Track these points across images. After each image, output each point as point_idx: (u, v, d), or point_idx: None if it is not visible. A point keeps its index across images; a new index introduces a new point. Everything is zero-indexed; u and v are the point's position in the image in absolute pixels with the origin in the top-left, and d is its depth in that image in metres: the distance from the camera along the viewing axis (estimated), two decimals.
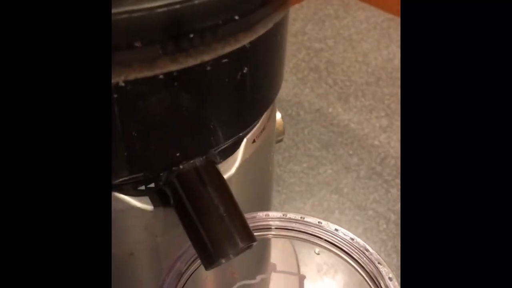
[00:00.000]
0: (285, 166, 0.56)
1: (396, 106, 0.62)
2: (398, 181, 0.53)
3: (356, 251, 0.25)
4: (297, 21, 0.78)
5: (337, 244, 0.26)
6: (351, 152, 0.57)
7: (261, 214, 0.27)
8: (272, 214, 0.27)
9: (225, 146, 0.25)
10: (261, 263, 0.33)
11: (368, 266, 0.25)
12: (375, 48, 0.73)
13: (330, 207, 0.51)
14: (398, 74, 0.66)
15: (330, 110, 0.63)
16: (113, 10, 0.18)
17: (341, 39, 0.75)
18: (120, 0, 0.18)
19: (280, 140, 0.39)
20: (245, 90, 0.24)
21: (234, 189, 0.26)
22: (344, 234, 0.26)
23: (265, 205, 0.34)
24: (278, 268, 0.38)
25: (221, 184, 0.24)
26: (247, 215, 0.27)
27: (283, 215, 0.27)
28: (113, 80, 0.19)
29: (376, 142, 0.58)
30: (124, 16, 0.18)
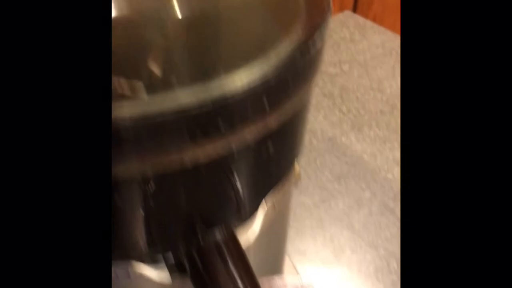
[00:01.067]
0: (296, 198, 0.55)
1: None
2: None
3: None
4: None
5: None
6: (363, 185, 0.57)
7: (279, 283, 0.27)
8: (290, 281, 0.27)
9: None
10: None
11: None
12: (390, 75, 0.72)
13: (341, 244, 0.51)
14: None
15: (343, 139, 0.62)
16: (145, 111, 0.17)
17: (356, 64, 0.74)
18: (153, 100, 0.17)
19: (296, 184, 0.39)
20: (269, 165, 0.23)
21: (252, 255, 0.25)
22: None
23: (279, 261, 0.34)
24: None
25: (241, 259, 0.24)
26: (263, 280, 0.27)
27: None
28: (141, 170, 0.19)
29: (389, 176, 0.58)
30: (158, 119, 0.17)
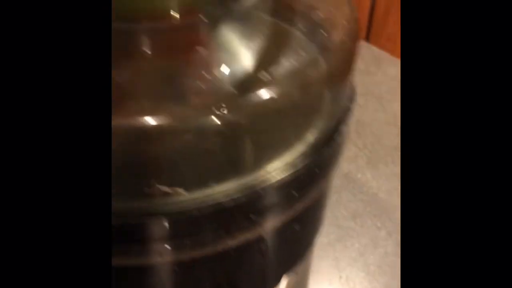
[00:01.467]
0: None
1: None
2: None
3: None
4: None
5: None
6: (379, 224, 0.57)
7: None
8: None
9: None
10: None
11: None
12: None
13: (357, 286, 0.51)
14: None
15: (359, 175, 0.63)
16: (183, 207, 0.18)
17: (371, 97, 0.75)
18: (190, 197, 0.18)
19: None
20: (296, 241, 0.24)
21: None
22: None
23: None
24: None
25: None
26: None
27: None
28: (173, 257, 0.20)
29: None
30: (195, 215, 0.18)
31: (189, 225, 0.19)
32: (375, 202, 0.60)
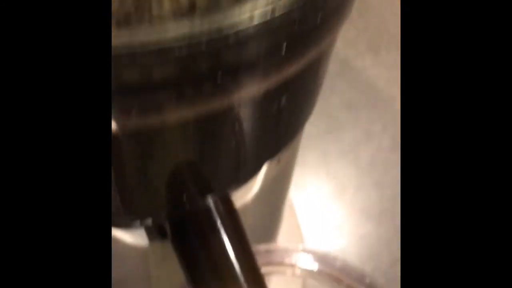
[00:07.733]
0: None
1: None
2: None
3: None
4: None
5: None
6: (375, 116, 0.52)
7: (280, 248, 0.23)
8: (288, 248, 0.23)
9: None
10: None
11: None
12: None
13: (345, 182, 0.47)
14: None
15: (357, 62, 0.56)
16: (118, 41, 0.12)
17: None
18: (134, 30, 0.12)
19: None
20: (279, 121, 0.18)
21: (248, 217, 0.21)
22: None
23: (279, 222, 0.30)
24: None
25: (233, 223, 0.20)
26: (261, 248, 0.23)
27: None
28: (123, 124, 0.14)
29: None
30: (138, 49, 0.12)
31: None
32: (372, 92, 0.54)
